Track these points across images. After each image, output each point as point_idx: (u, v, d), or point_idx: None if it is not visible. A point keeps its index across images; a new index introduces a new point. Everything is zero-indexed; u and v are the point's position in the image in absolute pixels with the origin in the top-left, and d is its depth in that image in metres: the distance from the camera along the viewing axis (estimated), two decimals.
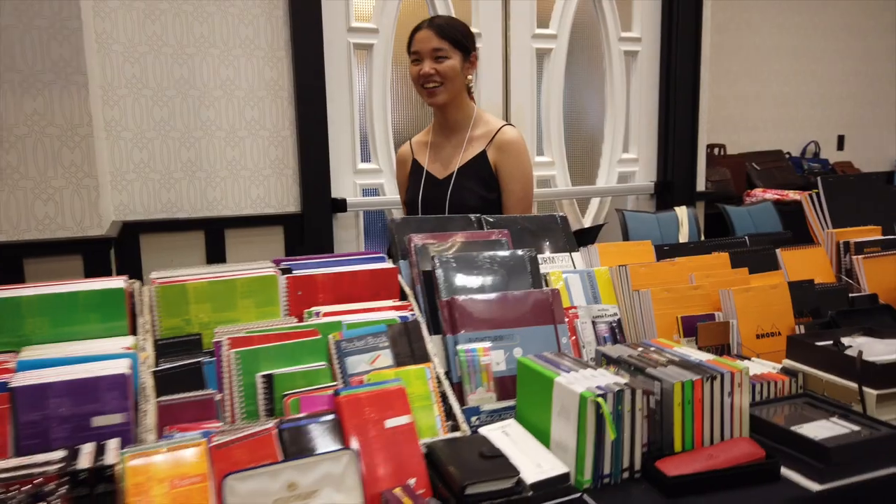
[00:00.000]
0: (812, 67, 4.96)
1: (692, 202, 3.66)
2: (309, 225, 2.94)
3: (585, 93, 3.59)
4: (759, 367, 1.32)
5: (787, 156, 4.96)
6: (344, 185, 3.07)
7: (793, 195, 4.21)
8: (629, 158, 3.68)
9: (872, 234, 1.80)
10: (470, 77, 1.92)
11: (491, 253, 1.41)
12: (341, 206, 3.02)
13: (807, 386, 1.28)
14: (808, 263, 1.74)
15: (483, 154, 1.89)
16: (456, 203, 1.86)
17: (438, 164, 1.95)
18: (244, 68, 2.78)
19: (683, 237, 3.23)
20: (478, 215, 1.59)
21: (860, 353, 1.19)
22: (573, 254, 1.63)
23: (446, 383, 1.20)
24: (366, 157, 3.13)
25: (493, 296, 1.31)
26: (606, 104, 3.59)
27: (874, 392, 1.15)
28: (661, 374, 1.13)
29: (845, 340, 1.29)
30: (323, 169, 2.96)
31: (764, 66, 4.76)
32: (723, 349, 1.42)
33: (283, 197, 2.91)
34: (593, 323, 1.42)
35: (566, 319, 1.37)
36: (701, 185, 3.77)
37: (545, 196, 3.45)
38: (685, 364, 1.17)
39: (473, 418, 1.20)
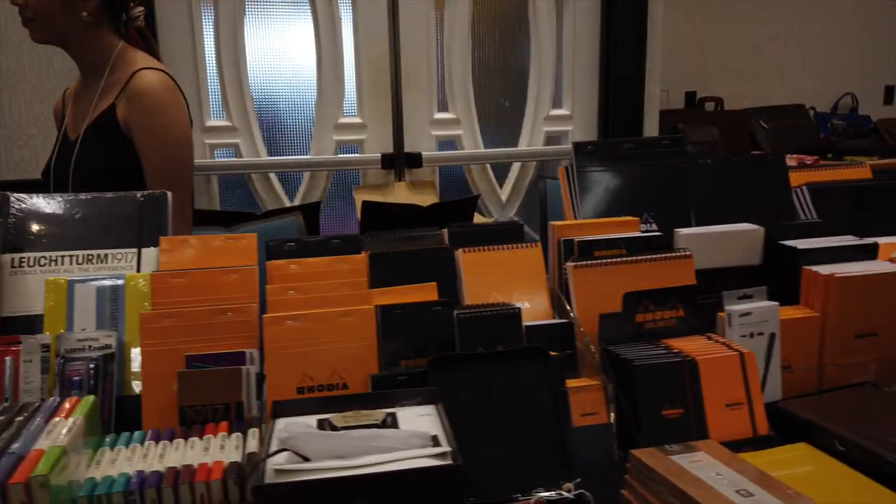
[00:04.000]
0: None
1: None
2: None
3: (503, 35, 3.00)
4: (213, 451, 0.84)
5: (812, 111, 4.12)
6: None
7: (809, 161, 3.47)
8: (560, 115, 3.07)
9: (626, 228, 1.23)
10: (86, 14, 1.45)
11: None
12: None
13: None
14: (515, 271, 1.20)
15: (112, 109, 1.43)
16: (80, 176, 1.42)
17: (75, 120, 1.51)
18: None
19: None
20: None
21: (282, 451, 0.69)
22: (145, 250, 1.17)
23: None
24: (218, 114, 2.72)
25: None
26: (531, 48, 2.98)
27: None
28: None
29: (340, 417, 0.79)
30: None
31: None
32: (227, 410, 0.93)
33: None
34: (63, 360, 0.98)
35: None
36: None
37: (444, 160, 2.93)
38: None
39: None
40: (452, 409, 0.91)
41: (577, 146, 1.31)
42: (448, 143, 2.96)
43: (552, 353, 0.99)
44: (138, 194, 1.20)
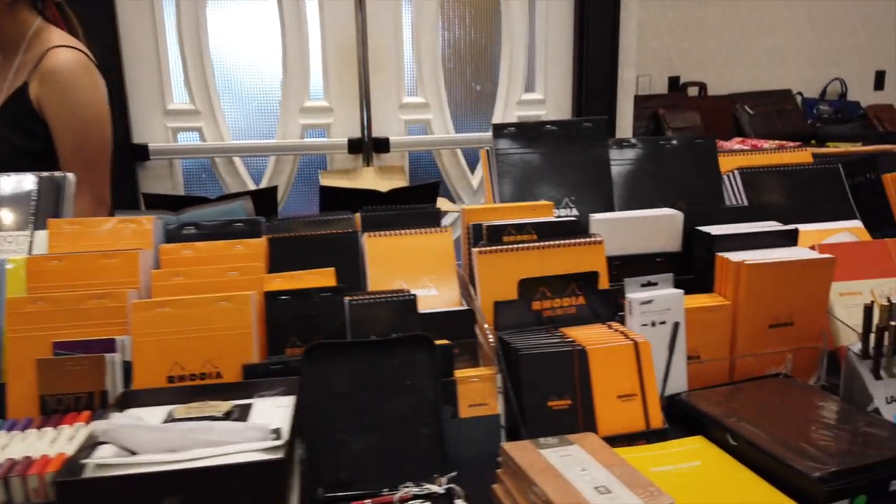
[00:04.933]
0: None
1: None
2: None
3: (473, 16, 2.94)
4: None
5: (799, 97, 4.04)
6: (151, 128, 2.64)
7: (790, 146, 3.40)
8: (533, 100, 3.01)
9: (539, 212, 1.18)
10: None
11: None
12: (143, 153, 2.61)
13: None
14: (423, 256, 1.16)
15: (24, 87, 1.40)
16: None
17: None
18: None
19: None
20: None
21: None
22: (38, 233, 1.14)
23: None
24: (181, 97, 2.68)
25: None
26: (502, 31, 2.92)
27: None
28: None
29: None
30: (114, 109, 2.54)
31: None
32: (91, 399, 0.90)
33: None
34: None
35: None
36: (626, 132, 3.05)
37: (413, 145, 2.88)
38: None
39: None
40: (328, 399, 0.88)
41: (497, 128, 1.26)
42: (418, 128, 2.91)
43: (440, 342, 0.95)
44: (35, 175, 1.17)
